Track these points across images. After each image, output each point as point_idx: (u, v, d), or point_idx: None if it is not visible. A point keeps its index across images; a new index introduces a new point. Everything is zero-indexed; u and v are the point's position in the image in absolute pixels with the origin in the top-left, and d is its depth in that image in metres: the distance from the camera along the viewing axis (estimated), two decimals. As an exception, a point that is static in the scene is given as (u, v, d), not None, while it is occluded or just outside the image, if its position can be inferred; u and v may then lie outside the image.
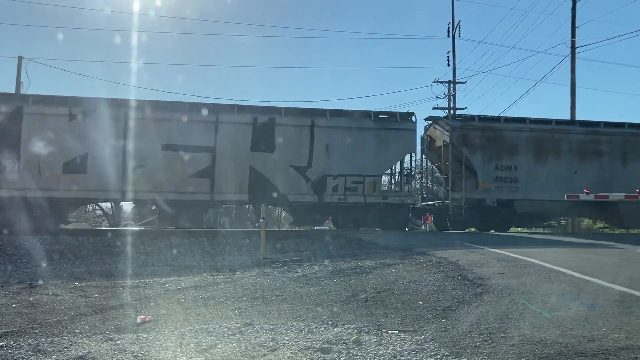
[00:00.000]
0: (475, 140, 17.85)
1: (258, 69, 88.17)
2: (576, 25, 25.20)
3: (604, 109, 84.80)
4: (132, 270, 9.78)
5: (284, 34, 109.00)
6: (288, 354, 4.34)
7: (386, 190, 18.85)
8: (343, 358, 4.23)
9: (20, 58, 27.17)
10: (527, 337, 4.58)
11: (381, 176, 18.02)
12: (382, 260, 9.52)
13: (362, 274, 8.31)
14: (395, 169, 18.81)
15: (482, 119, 18.48)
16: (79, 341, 4.75)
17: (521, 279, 7.10)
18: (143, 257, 11.52)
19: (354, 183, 16.81)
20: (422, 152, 20.65)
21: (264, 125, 16.51)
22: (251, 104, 17.58)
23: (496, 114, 22.58)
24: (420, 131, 19.45)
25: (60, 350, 4.46)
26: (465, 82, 33.88)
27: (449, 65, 33.69)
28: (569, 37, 25.27)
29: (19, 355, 4.31)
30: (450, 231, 18.03)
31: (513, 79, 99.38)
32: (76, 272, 9.53)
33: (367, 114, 17.38)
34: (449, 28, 33.61)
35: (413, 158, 19.01)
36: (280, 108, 17.05)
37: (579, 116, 24.73)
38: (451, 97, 33.02)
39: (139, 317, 5.71)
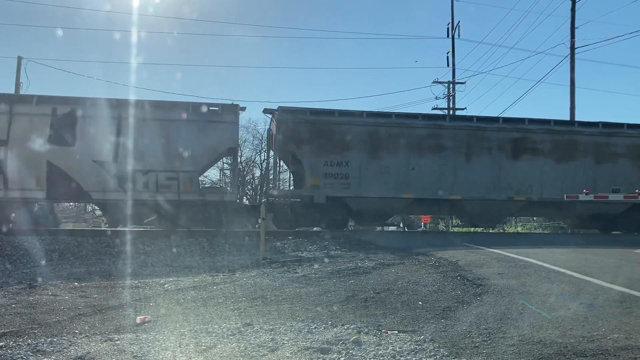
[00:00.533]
0: (303, 134, 16.61)
1: (257, 69, 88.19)
2: (575, 26, 25.28)
3: (603, 110, 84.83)
4: (131, 271, 9.78)
5: (283, 34, 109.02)
6: (287, 354, 4.34)
7: (206, 187, 17.54)
8: (342, 358, 4.24)
9: (19, 58, 27.20)
10: (526, 337, 4.58)
11: (199, 172, 16.51)
12: (382, 261, 9.53)
13: (361, 274, 8.31)
14: (222, 163, 17.45)
15: (314, 112, 17.12)
16: (79, 341, 4.75)
17: (520, 279, 7.11)
18: (142, 257, 11.51)
19: (168, 179, 15.66)
20: (268, 145, 19.43)
21: (64, 116, 15.30)
22: (52, 95, 15.97)
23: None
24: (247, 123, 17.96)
25: (60, 351, 4.46)
26: (465, 82, 33.90)
27: (448, 65, 33.75)
28: (569, 37, 25.32)
29: (19, 356, 4.31)
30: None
31: (513, 79, 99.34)
32: (75, 272, 9.53)
33: (184, 105, 16.24)
34: (448, 28, 33.67)
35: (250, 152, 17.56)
36: (84, 98, 15.92)
37: (579, 116, 24.74)
38: (450, 97, 33.07)
39: (139, 317, 5.71)
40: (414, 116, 17.57)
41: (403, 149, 16.99)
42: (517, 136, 17.64)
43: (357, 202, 16.71)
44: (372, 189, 16.68)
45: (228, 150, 16.87)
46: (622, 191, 17.36)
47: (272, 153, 18.55)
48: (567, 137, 17.93)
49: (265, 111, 17.76)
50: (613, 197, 17.71)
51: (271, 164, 18.74)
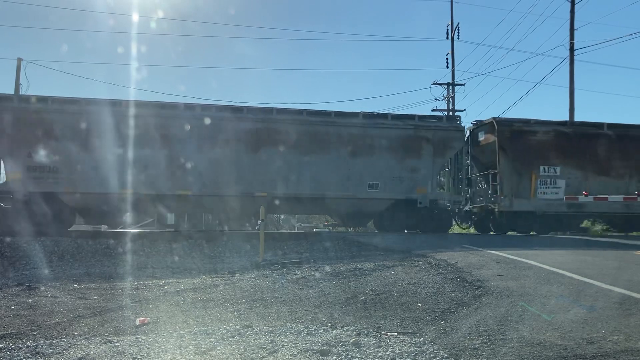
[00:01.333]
0: (4, 123, 14.73)
1: (259, 71, 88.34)
2: (575, 28, 25.36)
3: (603, 111, 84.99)
4: (131, 273, 9.78)
5: (284, 36, 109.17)
6: (287, 356, 4.33)
7: None
8: (342, 360, 4.23)
9: (19, 60, 27.18)
10: (526, 339, 4.58)
11: None
12: (381, 263, 9.52)
13: (361, 276, 8.30)
14: None
15: (23, 99, 15.23)
16: (78, 343, 4.74)
17: (520, 281, 7.11)
18: (142, 259, 11.51)
19: None
20: None
21: None
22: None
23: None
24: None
25: (59, 353, 4.46)
26: (464, 84, 34.00)
27: (447, 67, 33.80)
28: (568, 39, 25.39)
29: (18, 358, 4.31)
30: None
31: (512, 80, 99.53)
32: (75, 274, 9.53)
33: None
34: (447, 30, 33.71)
35: None
36: None
37: (578, 117, 24.68)
38: (450, 99, 33.10)
39: (138, 319, 5.70)
40: (144, 105, 15.93)
41: (123, 139, 15.13)
42: (259, 127, 16.05)
43: (73, 198, 14.97)
44: (88, 183, 14.93)
45: None
46: (380, 185, 16.44)
47: None
48: (318, 129, 16.43)
49: None
50: (612, 198, 17.74)
51: None
